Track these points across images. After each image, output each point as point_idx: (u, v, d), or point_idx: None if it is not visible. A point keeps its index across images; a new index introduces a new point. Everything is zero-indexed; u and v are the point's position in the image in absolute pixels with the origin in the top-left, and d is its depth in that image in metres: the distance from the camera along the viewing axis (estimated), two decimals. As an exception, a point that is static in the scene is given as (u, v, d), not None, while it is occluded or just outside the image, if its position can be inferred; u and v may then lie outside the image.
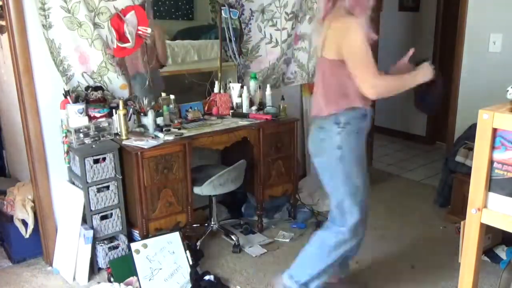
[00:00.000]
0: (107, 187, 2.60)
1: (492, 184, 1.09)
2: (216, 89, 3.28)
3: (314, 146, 2.20)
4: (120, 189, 2.65)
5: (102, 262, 2.65)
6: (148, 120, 2.76)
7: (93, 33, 2.67)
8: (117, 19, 2.69)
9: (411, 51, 2.17)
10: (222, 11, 3.18)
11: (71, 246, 2.62)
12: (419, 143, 5.10)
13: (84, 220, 2.60)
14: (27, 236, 2.76)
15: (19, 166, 3.30)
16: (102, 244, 2.64)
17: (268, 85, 3.31)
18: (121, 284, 2.45)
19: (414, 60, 2.17)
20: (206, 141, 2.79)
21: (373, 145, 4.39)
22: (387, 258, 2.85)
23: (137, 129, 2.78)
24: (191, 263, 2.60)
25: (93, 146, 2.57)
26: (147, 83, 2.92)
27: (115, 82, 2.84)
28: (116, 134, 2.70)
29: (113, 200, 2.64)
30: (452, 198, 3.36)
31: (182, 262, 2.59)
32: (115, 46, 2.72)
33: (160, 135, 2.68)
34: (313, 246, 2.27)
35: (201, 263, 2.77)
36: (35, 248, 2.82)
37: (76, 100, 2.61)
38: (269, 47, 3.49)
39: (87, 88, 2.69)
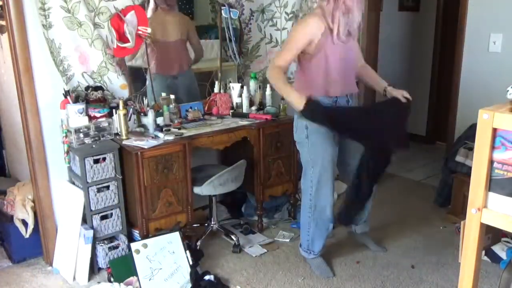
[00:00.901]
0: (107, 187, 2.60)
1: (492, 184, 1.09)
2: (216, 89, 3.28)
3: None
4: (120, 189, 2.65)
5: (102, 262, 2.65)
6: (148, 120, 2.76)
7: (93, 33, 2.67)
8: (117, 19, 2.69)
9: (404, 95, 2.51)
10: (222, 11, 3.18)
11: (71, 246, 2.62)
12: (419, 143, 5.10)
13: (84, 220, 2.60)
14: (27, 236, 2.76)
15: (19, 166, 3.30)
16: (102, 244, 2.64)
17: (268, 85, 3.31)
18: (121, 284, 2.45)
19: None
20: (206, 141, 2.79)
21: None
22: (387, 258, 2.85)
23: (137, 129, 2.78)
24: (191, 263, 2.60)
25: (93, 146, 2.57)
26: (147, 83, 2.93)
27: (115, 82, 2.84)
28: (116, 134, 2.70)
29: (113, 200, 2.64)
30: (452, 198, 3.36)
31: (182, 262, 2.59)
32: (115, 46, 2.72)
33: (160, 135, 2.68)
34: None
35: (201, 263, 2.77)
36: (35, 248, 2.82)
37: (76, 100, 2.61)
38: (269, 47, 3.49)
39: (87, 88, 2.69)
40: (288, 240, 3.06)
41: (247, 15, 3.34)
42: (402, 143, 2.47)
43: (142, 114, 2.83)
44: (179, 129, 2.83)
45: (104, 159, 2.55)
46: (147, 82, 3.02)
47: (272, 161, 3.08)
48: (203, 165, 3.05)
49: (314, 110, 2.25)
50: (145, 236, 2.62)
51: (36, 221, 2.76)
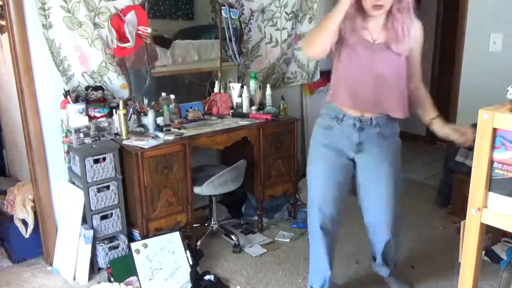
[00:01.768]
0: (107, 187, 2.60)
1: (492, 184, 1.09)
2: (216, 89, 3.28)
3: None
4: (120, 189, 2.65)
5: (102, 262, 2.65)
6: (148, 120, 2.76)
7: (93, 33, 2.67)
8: (117, 19, 2.69)
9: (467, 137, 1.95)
10: (222, 11, 3.18)
11: (71, 246, 2.62)
12: (419, 143, 5.10)
13: (84, 220, 2.60)
14: (27, 236, 2.76)
15: (19, 166, 3.30)
16: (102, 244, 2.64)
17: (268, 85, 3.31)
18: (121, 284, 2.45)
19: None
20: (206, 141, 2.79)
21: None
22: (387, 258, 2.85)
23: (137, 129, 2.78)
24: (191, 263, 2.60)
25: (93, 146, 2.57)
26: (147, 82, 2.93)
27: (115, 82, 2.84)
28: (116, 134, 2.70)
29: (113, 200, 2.64)
30: (452, 198, 3.36)
31: (182, 262, 2.59)
32: (115, 46, 2.72)
33: (160, 135, 2.68)
34: None
35: (201, 263, 2.77)
36: (35, 248, 2.82)
37: (76, 100, 2.61)
38: (269, 47, 3.49)
39: (87, 88, 2.69)
40: (288, 240, 3.06)
41: (247, 15, 3.34)
42: None
43: (142, 114, 2.83)
44: (179, 129, 2.83)
45: (104, 159, 2.55)
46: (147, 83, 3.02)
47: (272, 161, 3.08)
48: (203, 165, 3.05)
49: None
50: (145, 236, 2.62)
51: (36, 221, 2.76)
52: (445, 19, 4.78)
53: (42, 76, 2.61)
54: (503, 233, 2.68)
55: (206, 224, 3.08)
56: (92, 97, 2.65)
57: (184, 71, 3.31)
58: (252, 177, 3.06)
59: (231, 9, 3.17)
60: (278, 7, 3.42)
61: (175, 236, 2.65)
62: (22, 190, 2.83)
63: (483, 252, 2.67)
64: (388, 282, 2.51)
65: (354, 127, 2.02)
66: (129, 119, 2.75)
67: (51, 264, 2.79)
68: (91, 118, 2.64)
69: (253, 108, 3.19)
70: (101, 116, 2.67)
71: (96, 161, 2.53)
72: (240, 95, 3.21)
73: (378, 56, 1.93)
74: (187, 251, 2.62)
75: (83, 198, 2.55)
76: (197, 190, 2.77)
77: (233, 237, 2.97)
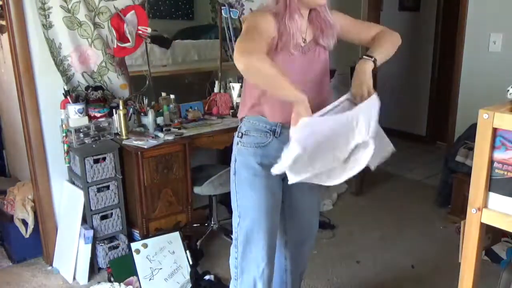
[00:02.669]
0: (107, 187, 2.60)
1: (492, 184, 1.09)
2: (216, 89, 3.28)
3: None
4: (120, 189, 2.65)
5: (102, 262, 2.65)
6: (148, 120, 2.76)
7: (93, 33, 2.67)
8: (117, 18, 2.69)
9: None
10: (222, 11, 3.18)
11: (71, 246, 2.62)
12: (419, 143, 5.10)
13: (84, 220, 2.60)
14: (27, 236, 2.76)
15: (19, 166, 3.30)
16: (102, 244, 2.64)
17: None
18: (121, 284, 2.45)
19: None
20: (206, 141, 2.79)
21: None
22: (387, 258, 2.85)
23: (137, 129, 2.78)
24: (191, 262, 2.60)
25: (93, 146, 2.57)
26: (147, 82, 2.93)
27: (115, 81, 2.84)
28: (116, 134, 2.70)
29: (113, 200, 2.64)
30: (452, 198, 3.36)
31: (182, 262, 2.59)
32: (115, 46, 2.72)
33: (160, 135, 2.68)
34: None
35: (201, 262, 2.76)
36: (35, 248, 2.82)
37: (76, 100, 2.61)
38: (269, 47, 3.48)
39: (87, 87, 2.69)
40: (288, 240, 3.06)
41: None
42: None
43: (142, 114, 2.83)
44: (179, 129, 2.83)
45: (104, 159, 2.55)
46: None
47: (272, 161, 3.08)
48: (203, 165, 3.06)
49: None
50: (145, 236, 2.62)
51: (36, 221, 2.76)
52: (445, 19, 4.78)
53: (42, 76, 2.60)
54: (503, 233, 2.68)
55: (206, 224, 3.08)
56: (92, 97, 2.65)
57: (184, 71, 3.32)
58: (252, 177, 3.05)
59: (231, 9, 3.17)
60: (278, 7, 3.42)
61: (175, 236, 2.65)
62: (22, 190, 2.83)
63: (483, 252, 2.67)
64: None
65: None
66: (129, 119, 2.75)
67: (51, 264, 2.78)
68: (91, 118, 2.64)
69: (253, 108, 3.18)
70: (101, 116, 2.67)
71: (96, 161, 2.53)
72: (240, 95, 3.20)
73: (310, 55, 1.72)
74: (187, 251, 2.62)
75: (83, 198, 2.55)
76: (197, 190, 2.77)
77: (233, 237, 2.97)
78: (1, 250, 2.99)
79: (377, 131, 1.60)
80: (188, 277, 2.55)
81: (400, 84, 5.18)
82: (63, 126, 2.65)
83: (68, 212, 2.69)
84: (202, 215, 3.25)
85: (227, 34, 3.22)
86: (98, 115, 2.66)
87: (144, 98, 2.88)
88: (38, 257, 2.87)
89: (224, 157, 3.36)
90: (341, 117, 1.51)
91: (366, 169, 1.63)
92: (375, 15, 3.93)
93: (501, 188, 1.08)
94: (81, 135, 2.56)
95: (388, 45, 1.76)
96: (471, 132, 3.20)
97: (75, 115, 2.57)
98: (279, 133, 1.71)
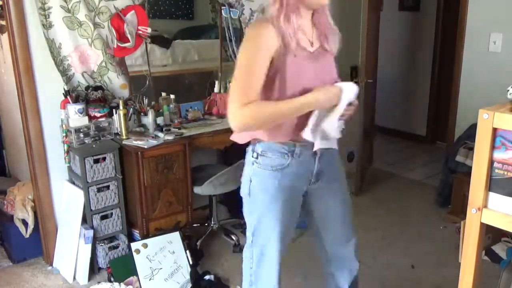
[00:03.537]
0: (107, 187, 2.60)
1: (492, 184, 1.09)
2: (216, 89, 3.28)
3: None
4: (120, 189, 2.65)
5: (102, 261, 2.65)
6: (148, 119, 2.76)
7: (93, 33, 2.67)
8: (117, 18, 2.70)
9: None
10: (222, 11, 3.18)
11: (71, 246, 2.62)
12: (419, 142, 5.10)
13: (84, 220, 2.60)
14: (27, 236, 2.76)
15: (19, 166, 3.30)
16: (102, 244, 2.64)
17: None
18: (121, 284, 2.45)
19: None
20: (206, 140, 2.79)
21: (373, 144, 4.39)
22: (387, 258, 2.85)
23: (137, 129, 2.78)
24: (191, 262, 2.60)
25: (93, 146, 2.57)
26: (147, 82, 2.93)
27: (115, 81, 2.84)
28: (116, 134, 2.70)
29: (113, 200, 2.64)
30: (452, 198, 3.36)
31: (182, 262, 2.59)
32: (115, 46, 2.72)
33: (160, 134, 2.68)
34: None
35: (201, 262, 2.76)
36: (35, 247, 2.82)
37: (76, 100, 2.61)
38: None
39: (87, 87, 2.69)
40: (288, 240, 3.06)
41: (247, 15, 3.33)
42: None
43: (142, 114, 2.83)
44: (179, 129, 2.83)
45: (104, 159, 2.55)
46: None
47: (272, 161, 3.08)
48: (203, 165, 3.06)
49: None
50: (145, 236, 2.62)
51: (36, 221, 2.76)
52: (445, 19, 4.78)
53: (42, 76, 2.60)
54: (503, 233, 2.69)
55: (206, 224, 3.08)
56: (92, 97, 2.65)
57: (184, 71, 3.32)
58: (252, 177, 3.05)
59: (231, 9, 3.17)
60: (278, 7, 3.42)
61: (175, 236, 2.65)
62: (22, 190, 2.83)
63: (483, 252, 2.67)
64: None
65: (314, 156, 1.66)
66: (129, 119, 2.75)
67: (51, 264, 2.79)
68: (91, 118, 2.64)
69: (253, 108, 3.18)
70: (101, 116, 2.67)
71: (96, 161, 2.53)
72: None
73: (322, 61, 1.63)
74: (187, 251, 2.62)
75: (83, 198, 2.55)
76: (197, 190, 2.77)
77: (233, 237, 2.97)
78: (1, 250, 2.99)
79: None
80: (188, 277, 2.55)
81: (400, 84, 5.18)
82: (63, 126, 2.65)
83: (68, 212, 2.69)
84: (202, 215, 3.25)
85: (227, 34, 3.22)
86: (98, 115, 2.66)
87: (144, 98, 2.88)
88: (38, 257, 2.87)
89: (224, 157, 3.36)
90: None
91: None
92: (375, 15, 3.93)
93: (501, 188, 1.08)
94: (81, 135, 2.56)
95: None
96: (471, 132, 3.20)
97: (75, 115, 2.57)
98: (299, 154, 1.63)
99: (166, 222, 2.69)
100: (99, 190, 2.57)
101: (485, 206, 1.12)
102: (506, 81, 1.99)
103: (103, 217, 2.62)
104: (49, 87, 2.63)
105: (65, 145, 2.69)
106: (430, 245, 2.99)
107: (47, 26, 2.52)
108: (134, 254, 2.52)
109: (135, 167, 2.52)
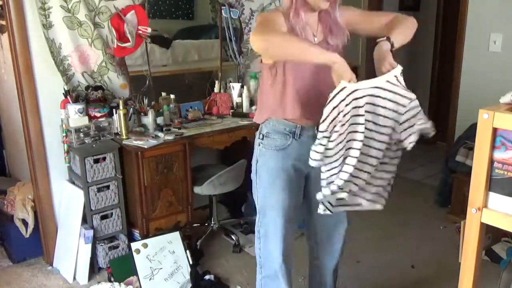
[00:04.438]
0: (107, 187, 2.60)
1: (492, 184, 1.09)
2: (216, 89, 3.28)
3: None
4: (120, 188, 2.65)
5: (102, 261, 2.65)
6: (148, 119, 2.76)
7: (93, 33, 2.67)
8: (117, 18, 2.69)
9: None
10: (223, 11, 3.18)
11: (71, 246, 2.62)
12: (419, 142, 5.06)
13: (84, 220, 2.60)
14: (27, 235, 2.76)
15: (19, 166, 3.30)
16: (102, 244, 2.64)
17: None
18: (121, 283, 2.45)
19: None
20: (206, 140, 2.79)
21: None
22: (387, 258, 2.85)
23: (137, 129, 2.78)
24: (191, 262, 2.60)
25: (93, 145, 2.57)
26: (147, 82, 2.93)
27: (115, 81, 2.84)
28: (116, 133, 2.70)
29: (113, 200, 2.64)
30: (452, 198, 3.36)
31: (182, 262, 2.59)
32: (115, 46, 2.72)
33: (160, 134, 2.68)
34: None
35: (201, 262, 2.77)
36: (35, 247, 2.82)
37: (76, 100, 2.61)
38: (269, 47, 3.48)
39: (87, 87, 2.69)
40: (288, 240, 3.06)
41: (247, 15, 3.34)
42: None
43: (142, 113, 2.83)
44: (179, 128, 2.83)
45: (104, 158, 2.55)
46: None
47: (272, 161, 3.08)
48: (203, 165, 3.06)
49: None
50: (145, 235, 2.62)
51: (36, 221, 2.76)
52: (445, 19, 4.78)
53: (42, 76, 2.60)
54: (503, 233, 2.68)
55: (206, 224, 3.08)
56: (92, 97, 2.65)
57: (184, 71, 3.32)
58: (252, 177, 3.05)
59: (231, 9, 3.18)
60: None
61: (175, 236, 2.65)
62: (22, 190, 2.83)
63: (483, 252, 2.68)
64: None
65: (314, 138, 1.65)
66: (129, 119, 2.75)
67: (51, 264, 2.79)
68: (91, 118, 2.64)
69: (253, 108, 3.19)
70: (101, 116, 2.67)
71: (96, 161, 2.53)
72: (240, 95, 3.21)
73: None
74: (187, 251, 2.62)
75: (83, 198, 2.55)
76: (197, 190, 2.77)
77: (233, 237, 2.97)
78: (1, 250, 2.99)
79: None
80: (188, 277, 2.55)
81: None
82: (63, 126, 2.65)
83: (68, 212, 2.69)
84: (202, 215, 3.25)
85: (227, 34, 3.22)
86: (98, 115, 2.66)
87: (144, 98, 2.88)
88: (38, 257, 2.87)
89: (224, 157, 3.36)
90: (378, 80, 1.52)
91: None
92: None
93: (501, 188, 1.08)
94: (81, 135, 2.56)
95: (402, 27, 1.68)
96: (471, 132, 3.20)
97: (75, 115, 2.57)
98: (299, 135, 1.76)
99: (166, 222, 2.69)
100: (99, 190, 2.57)
101: (485, 206, 1.12)
102: (506, 81, 1.99)
103: (103, 217, 2.62)
104: (49, 87, 2.63)
105: (65, 145, 2.69)
106: (430, 245, 2.99)
107: (47, 26, 2.52)
108: (134, 254, 2.52)
109: (135, 167, 2.52)
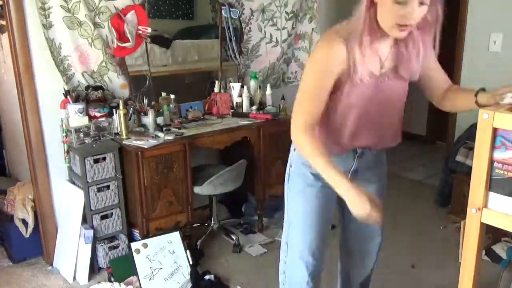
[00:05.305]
0: (107, 187, 2.60)
1: (492, 184, 1.09)
2: (216, 89, 3.28)
3: None
4: (121, 188, 2.65)
5: (102, 261, 2.65)
6: (148, 119, 2.76)
7: (93, 33, 2.67)
8: (117, 18, 2.69)
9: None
10: (223, 11, 3.18)
11: (71, 246, 2.62)
12: (419, 142, 5.10)
13: (85, 220, 2.60)
14: (27, 235, 2.76)
15: (19, 166, 3.30)
16: (102, 244, 2.64)
17: (268, 85, 3.31)
18: (121, 283, 2.45)
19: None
20: (206, 140, 2.79)
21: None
22: (387, 258, 2.85)
23: (137, 129, 2.78)
24: (191, 262, 2.60)
25: (93, 145, 2.57)
26: (147, 82, 2.93)
27: (115, 81, 2.84)
28: (116, 133, 2.70)
29: (113, 200, 2.64)
30: (452, 198, 3.36)
31: (182, 262, 2.60)
32: (115, 46, 2.72)
33: (160, 134, 2.68)
34: None
35: (201, 262, 2.77)
36: (35, 247, 2.82)
37: (76, 100, 2.61)
38: (269, 47, 3.49)
39: (87, 87, 2.69)
40: (288, 240, 3.06)
41: (247, 15, 3.33)
42: None
43: (142, 113, 2.83)
44: (179, 128, 2.83)
45: (104, 158, 2.55)
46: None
47: (272, 160, 3.08)
48: (203, 165, 3.06)
49: None
50: (145, 235, 2.62)
51: (36, 221, 2.76)
52: (445, 19, 4.77)
53: (42, 76, 2.60)
54: (503, 233, 2.69)
55: (206, 224, 3.08)
56: (92, 97, 2.65)
57: (184, 71, 3.32)
58: (252, 177, 3.05)
59: (231, 9, 3.18)
60: (278, 7, 3.42)
61: (175, 236, 2.65)
62: (22, 190, 2.83)
63: (483, 252, 2.68)
64: None
65: (354, 154, 1.68)
66: (129, 119, 2.75)
67: (51, 264, 2.79)
68: (91, 118, 2.64)
69: (253, 108, 3.19)
70: (101, 116, 2.67)
71: (96, 161, 2.53)
72: (240, 95, 3.21)
73: (385, 84, 1.55)
74: (187, 251, 2.63)
75: (83, 198, 2.55)
76: (197, 190, 2.77)
77: (233, 237, 2.97)
78: (1, 250, 2.99)
79: None
80: (188, 277, 2.55)
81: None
82: (63, 126, 2.65)
83: (68, 212, 2.69)
84: (202, 215, 3.25)
85: (227, 34, 3.22)
86: (98, 115, 2.66)
87: (144, 98, 2.88)
88: (38, 257, 2.87)
89: (224, 157, 3.36)
90: None
91: None
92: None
93: (501, 188, 1.08)
94: (81, 135, 2.56)
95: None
96: (471, 132, 3.20)
97: (75, 115, 2.57)
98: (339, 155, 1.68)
99: (166, 222, 2.69)
100: (99, 190, 2.57)
101: (485, 206, 1.12)
102: (506, 80, 1.99)
103: (103, 217, 2.62)
104: (49, 87, 2.63)
105: (65, 145, 2.69)
106: (430, 245, 2.99)
107: (47, 26, 2.52)
108: (134, 254, 2.52)
109: (135, 167, 2.52)
